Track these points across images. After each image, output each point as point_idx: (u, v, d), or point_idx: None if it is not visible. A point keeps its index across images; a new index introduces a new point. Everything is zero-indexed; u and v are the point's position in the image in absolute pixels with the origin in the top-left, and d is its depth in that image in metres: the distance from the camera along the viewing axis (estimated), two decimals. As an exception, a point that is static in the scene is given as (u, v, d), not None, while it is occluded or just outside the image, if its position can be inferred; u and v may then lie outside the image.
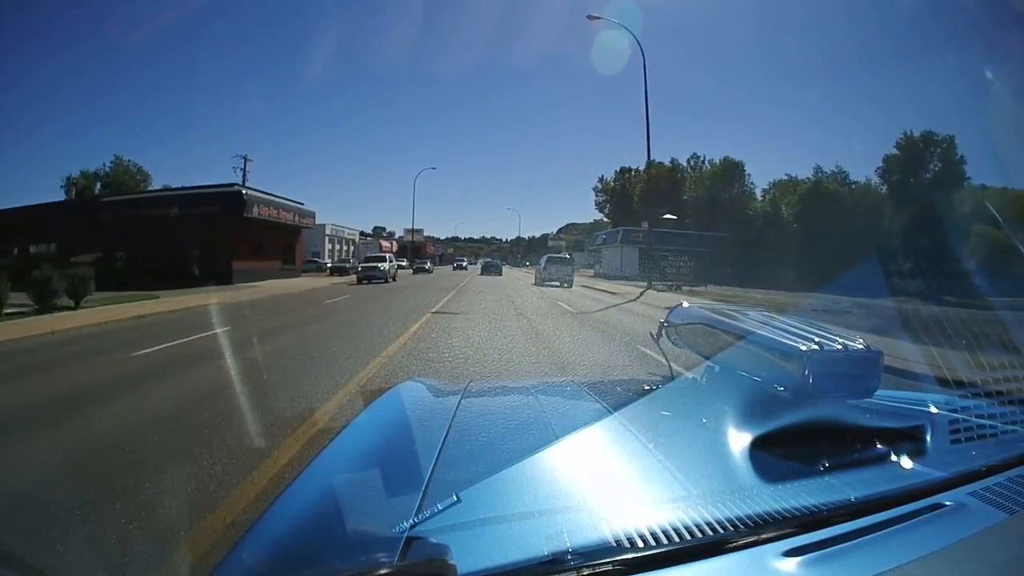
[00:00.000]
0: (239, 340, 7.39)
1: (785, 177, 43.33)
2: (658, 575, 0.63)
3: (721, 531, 0.69)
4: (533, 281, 27.25)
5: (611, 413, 1.19)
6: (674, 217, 26.62)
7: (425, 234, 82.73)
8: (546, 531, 0.68)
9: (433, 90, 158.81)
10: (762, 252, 34.31)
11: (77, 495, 2.54)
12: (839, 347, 1.05)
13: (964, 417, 1.10)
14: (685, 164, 50.55)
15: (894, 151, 38.20)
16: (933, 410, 1.19)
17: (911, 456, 0.96)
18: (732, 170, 46.11)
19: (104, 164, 42.73)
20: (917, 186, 35.39)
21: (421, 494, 0.76)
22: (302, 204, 30.34)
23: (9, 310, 10.51)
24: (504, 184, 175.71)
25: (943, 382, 2.25)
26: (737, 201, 44.31)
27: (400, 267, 47.26)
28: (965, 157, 35.58)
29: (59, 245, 24.79)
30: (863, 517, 0.75)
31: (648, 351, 6.43)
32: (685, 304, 1.75)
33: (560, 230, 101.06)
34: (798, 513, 0.74)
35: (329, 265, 36.00)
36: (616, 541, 0.65)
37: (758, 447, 0.93)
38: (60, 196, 37.22)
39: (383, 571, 0.58)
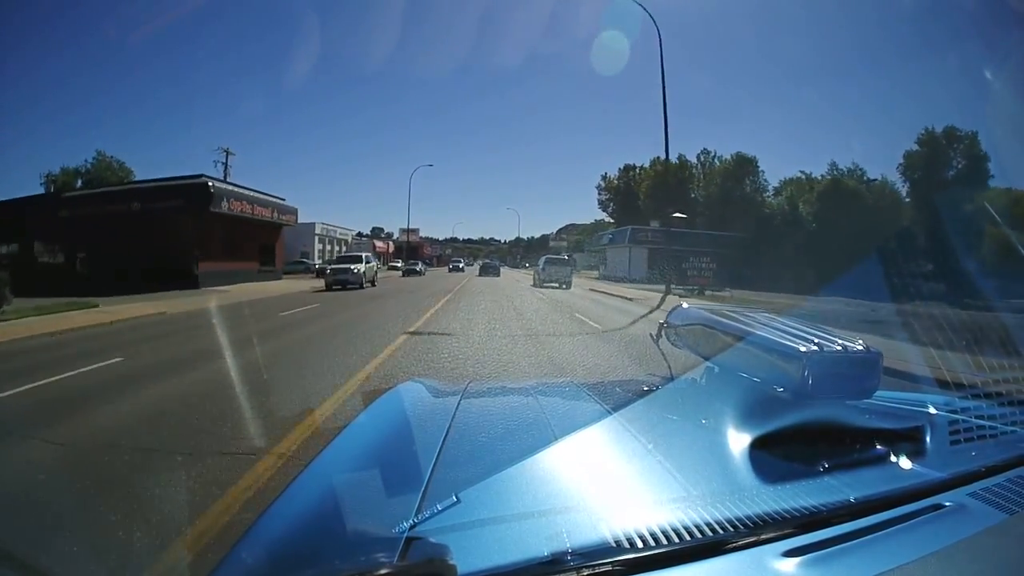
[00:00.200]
0: (104, 387, 5.11)
1: (800, 175, 40.69)
2: (658, 575, 0.63)
3: (721, 532, 0.68)
4: (532, 283, 26.97)
5: (611, 414, 1.19)
6: (684, 216, 23.93)
7: (423, 235, 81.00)
8: (546, 531, 0.68)
9: (432, 89, 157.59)
10: (781, 253, 31.98)
11: None
12: (838, 348, 1.05)
13: (964, 418, 1.10)
14: (695, 160, 47.41)
15: (915, 147, 36.07)
16: (932, 411, 1.18)
17: (911, 457, 0.96)
18: (745, 166, 42.85)
19: (86, 160, 40.28)
20: (941, 184, 33.48)
21: (421, 494, 0.76)
22: (283, 200, 27.57)
23: None
24: (503, 185, 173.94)
25: (943, 383, 2.14)
26: (750, 199, 41.69)
27: (393, 268, 45.06)
28: (987, 154, 33.75)
29: (20, 245, 22.86)
30: (863, 517, 0.75)
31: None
32: (684, 305, 1.75)
33: (560, 230, 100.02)
34: (798, 514, 0.74)
35: (316, 266, 33.28)
36: (616, 541, 0.65)
37: (758, 448, 0.93)
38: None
39: (383, 571, 0.58)
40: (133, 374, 5.73)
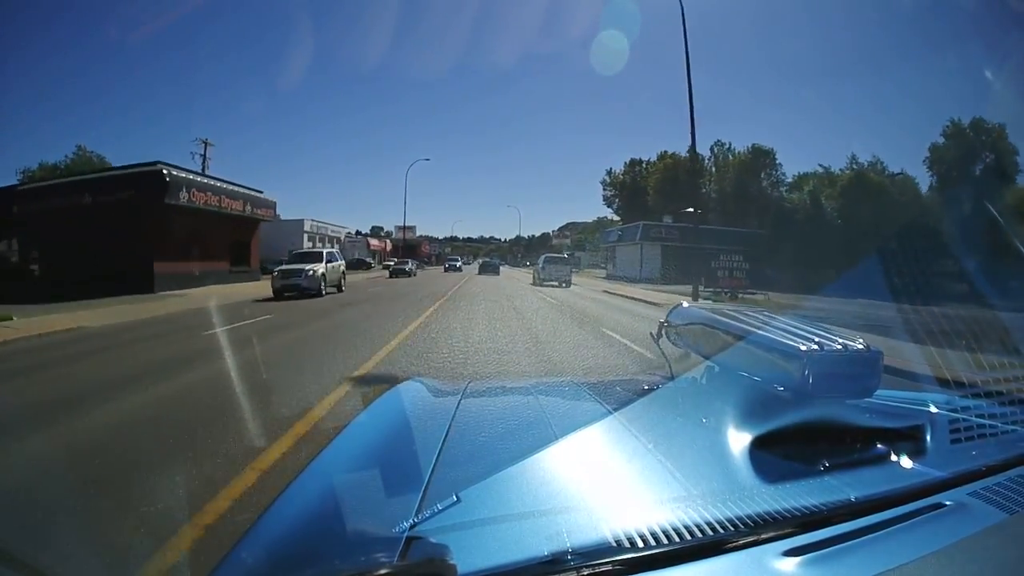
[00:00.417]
0: None
1: (819, 168, 38.06)
2: (658, 575, 0.63)
3: (721, 531, 0.68)
4: (531, 281, 27.02)
5: (611, 413, 1.19)
6: (700, 211, 21.44)
7: (423, 233, 78.98)
8: (546, 531, 0.67)
9: (433, 88, 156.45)
10: (806, 251, 29.24)
11: None
12: (839, 347, 1.04)
13: (964, 417, 1.09)
14: (708, 153, 44.48)
15: (941, 140, 34.12)
16: (933, 410, 1.18)
17: (911, 456, 0.95)
18: (762, 158, 40.40)
19: (66, 156, 37.66)
20: (970, 178, 31.35)
21: (421, 494, 0.76)
22: (261, 192, 24.20)
23: None
24: (504, 183, 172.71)
25: (943, 382, 2.11)
26: (768, 194, 39.21)
27: (388, 267, 42.06)
28: (1016, 147, 31.58)
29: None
30: (863, 517, 0.75)
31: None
32: (685, 304, 1.74)
33: (561, 228, 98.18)
34: (798, 513, 0.73)
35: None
36: (616, 541, 0.65)
37: (758, 447, 0.93)
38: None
39: (383, 571, 0.58)
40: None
